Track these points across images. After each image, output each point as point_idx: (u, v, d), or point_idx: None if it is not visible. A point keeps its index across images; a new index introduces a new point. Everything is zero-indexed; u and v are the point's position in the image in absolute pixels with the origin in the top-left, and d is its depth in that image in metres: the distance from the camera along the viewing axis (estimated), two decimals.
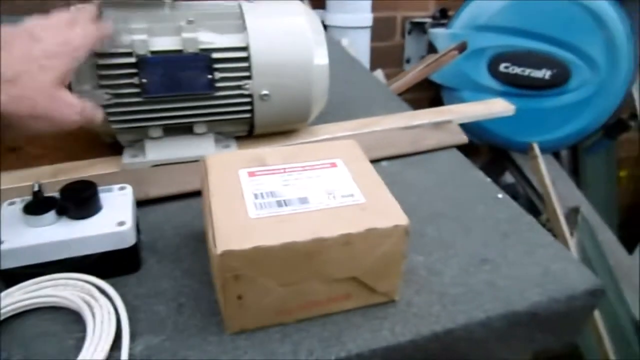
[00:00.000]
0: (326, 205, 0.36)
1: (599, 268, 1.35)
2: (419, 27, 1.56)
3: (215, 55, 0.49)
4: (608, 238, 1.48)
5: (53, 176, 0.51)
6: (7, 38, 0.39)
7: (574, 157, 1.68)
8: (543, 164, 1.31)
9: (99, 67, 0.47)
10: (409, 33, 1.59)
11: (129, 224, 0.39)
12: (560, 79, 1.37)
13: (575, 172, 1.67)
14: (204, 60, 0.49)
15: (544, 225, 0.49)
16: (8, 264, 0.37)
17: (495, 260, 0.44)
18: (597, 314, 1.20)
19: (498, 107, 0.73)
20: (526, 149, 1.42)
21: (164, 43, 0.48)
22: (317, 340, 0.36)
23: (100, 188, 0.41)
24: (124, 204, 0.42)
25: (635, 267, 1.44)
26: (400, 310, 0.38)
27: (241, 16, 0.51)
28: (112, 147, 0.55)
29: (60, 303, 0.37)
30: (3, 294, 0.37)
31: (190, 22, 0.49)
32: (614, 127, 1.52)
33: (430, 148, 0.63)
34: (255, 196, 0.36)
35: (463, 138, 0.65)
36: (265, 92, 0.51)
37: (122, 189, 0.44)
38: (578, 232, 1.35)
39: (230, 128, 0.56)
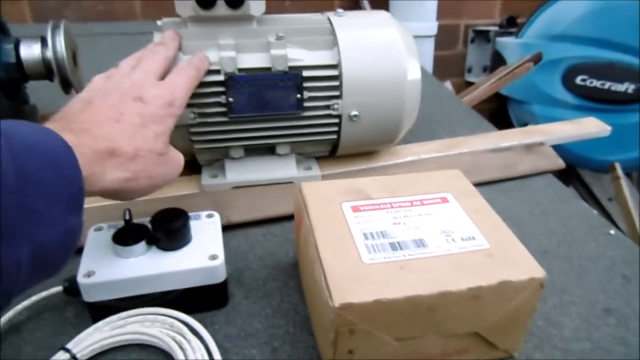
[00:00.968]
0: (446, 250, 0.32)
1: None
2: (483, 36, 1.50)
3: (305, 73, 0.46)
4: None
5: None
6: (119, 107, 0.34)
7: None
8: (627, 186, 1.20)
9: None
10: (472, 41, 1.52)
11: (221, 258, 0.36)
12: None
13: None
14: (293, 79, 0.46)
15: None
16: (99, 297, 0.35)
17: (621, 311, 0.39)
18: None
19: (592, 126, 0.67)
20: (599, 167, 1.33)
21: (252, 60, 0.46)
22: None
23: (189, 214, 0.38)
24: (214, 235, 0.39)
25: None
26: None
27: (332, 31, 0.48)
28: (187, 164, 0.53)
29: (150, 341, 0.35)
30: (91, 329, 0.34)
31: (279, 37, 0.46)
32: None
33: (524, 174, 0.58)
34: (365, 236, 0.33)
35: (559, 163, 0.60)
36: (354, 112, 0.48)
37: (209, 216, 0.41)
38: None
39: (312, 149, 0.53)
